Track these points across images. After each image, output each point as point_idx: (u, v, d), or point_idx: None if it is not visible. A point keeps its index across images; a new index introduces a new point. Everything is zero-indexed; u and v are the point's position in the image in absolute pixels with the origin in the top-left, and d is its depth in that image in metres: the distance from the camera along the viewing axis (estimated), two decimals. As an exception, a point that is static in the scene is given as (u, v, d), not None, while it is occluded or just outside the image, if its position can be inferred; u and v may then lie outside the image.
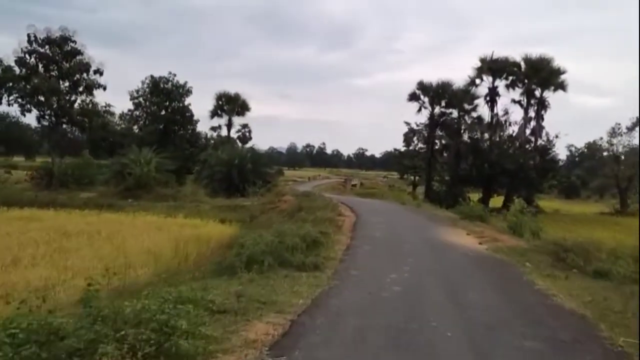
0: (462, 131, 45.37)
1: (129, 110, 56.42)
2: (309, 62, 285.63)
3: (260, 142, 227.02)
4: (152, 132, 54.28)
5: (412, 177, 79.09)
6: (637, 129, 47.36)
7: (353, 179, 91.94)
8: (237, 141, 54.61)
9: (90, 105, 35.28)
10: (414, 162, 76.80)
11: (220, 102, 53.88)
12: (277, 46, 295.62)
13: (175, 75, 55.63)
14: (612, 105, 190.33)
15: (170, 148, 52.41)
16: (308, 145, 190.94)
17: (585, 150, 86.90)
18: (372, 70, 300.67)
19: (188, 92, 56.35)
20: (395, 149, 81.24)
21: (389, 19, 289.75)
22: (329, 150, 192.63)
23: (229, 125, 54.14)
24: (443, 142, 45.55)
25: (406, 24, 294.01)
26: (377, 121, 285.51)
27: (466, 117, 45.51)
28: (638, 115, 44.25)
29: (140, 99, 55.92)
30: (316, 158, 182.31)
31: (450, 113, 45.81)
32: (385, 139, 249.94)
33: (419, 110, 45.81)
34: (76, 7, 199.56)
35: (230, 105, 53.55)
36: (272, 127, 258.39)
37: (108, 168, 39.60)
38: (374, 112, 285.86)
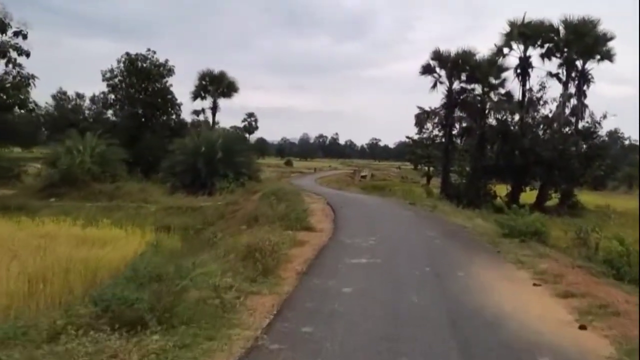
0: (486, 111, 35.93)
1: (102, 93, 47.82)
2: (323, 53, 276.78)
3: (273, 133, 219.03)
4: (126, 117, 45.65)
5: (426, 168, 69.80)
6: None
7: (363, 169, 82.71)
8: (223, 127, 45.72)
9: (14, 78, 26.51)
10: (428, 151, 67.60)
11: (203, 82, 44.98)
12: (291, 37, 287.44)
13: (154, 52, 46.73)
14: (628, 94, 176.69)
15: (147, 136, 43.92)
16: (321, 136, 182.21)
17: (607, 138, 78.11)
18: (385, 61, 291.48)
19: (170, 71, 47.60)
20: (407, 137, 71.94)
21: (403, 9, 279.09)
22: (342, 141, 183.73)
23: (214, 109, 45.35)
24: (463, 124, 36.13)
25: (420, 13, 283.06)
26: (391, 111, 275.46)
27: (492, 94, 36.08)
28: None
29: (116, 80, 47.15)
30: (329, 149, 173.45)
31: (473, 89, 36.45)
32: (399, 129, 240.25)
33: (434, 86, 36.53)
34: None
35: (215, 85, 44.62)
36: (284, 118, 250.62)
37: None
38: (388, 102, 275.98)
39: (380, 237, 12.76)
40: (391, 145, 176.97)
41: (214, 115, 45.35)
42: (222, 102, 46.23)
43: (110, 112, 48.16)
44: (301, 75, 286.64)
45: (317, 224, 14.95)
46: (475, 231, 14.50)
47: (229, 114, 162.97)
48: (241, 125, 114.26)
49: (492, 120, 36.25)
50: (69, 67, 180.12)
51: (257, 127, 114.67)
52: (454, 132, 37.00)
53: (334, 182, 52.44)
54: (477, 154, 36.08)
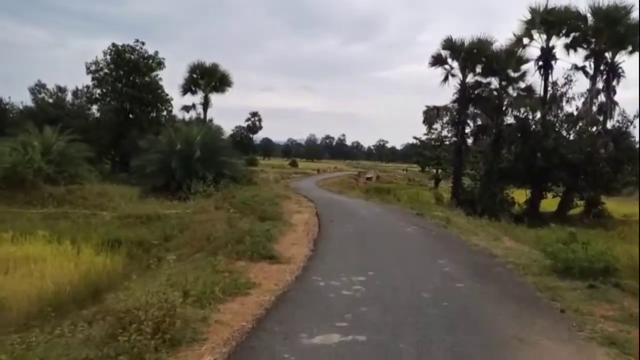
0: (504, 108, 31.25)
1: (86, 86, 43.60)
2: (332, 54, 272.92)
3: (280, 133, 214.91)
4: (110, 112, 41.41)
5: (435, 171, 65.10)
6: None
7: (368, 171, 78.16)
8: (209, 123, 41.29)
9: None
10: (436, 153, 62.90)
11: (194, 76, 40.61)
12: (300, 38, 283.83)
13: (143, 43, 42.47)
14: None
15: (133, 133, 39.65)
16: (328, 137, 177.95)
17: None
18: (395, 63, 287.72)
19: (159, 64, 43.38)
20: (415, 138, 67.24)
21: (414, 10, 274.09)
22: (349, 142, 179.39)
23: (205, 104, 40.87)
24: (478, 122, 31.42)
25: (431, 15, 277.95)
26: (399, 113, 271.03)
27: (510, 89, 31.41)
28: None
29: (101, 73, 42.97)
30: (336, 150, 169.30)
31: (489, 83, 31.76)
32: (407, 131, 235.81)
33: (445, 79, 31.89)
34: (101, 1, 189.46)
35: (207, 79, 40.23)
36: (292, 119, 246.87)
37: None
38: (396, 104, 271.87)
39: (373, 276, 8.28)
40: (398, 147, 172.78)
41: (205, 111, 41.02)
42: (215, 97, 41.90)
43: (95, 108, 43.92)
44: (309, 77, 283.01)
45: (287, 249, 10.49)
46: (511, 262, 9.94)
47: (234, 114, 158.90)
48: (245, 124, 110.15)
49: (510, 118, 31.63)
50: (70, 67, 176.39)
51: (261, 127, 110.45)
52: (467, 131, 32.29)
53: (336, 185, 47.93)
54: (493, 156, 31.44)
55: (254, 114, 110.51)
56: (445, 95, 29.75)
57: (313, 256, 10.02)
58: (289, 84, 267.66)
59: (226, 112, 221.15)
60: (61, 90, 43.64)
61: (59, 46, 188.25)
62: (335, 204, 23.16)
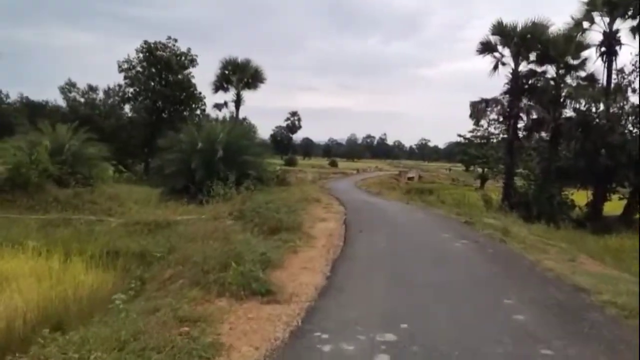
0: (562, 99, 27.43)
1: (117, 85, 41.99)
2: (373, 53, 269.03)
3: (320, 133, 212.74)
4: (143, 111, 39.62)
5: (481, 170, 61.00)
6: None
7: (410, 171, 74.50)
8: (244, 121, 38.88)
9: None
10: (482, 151, 58.83)
11: (226, 72, 38.32)
12: (341, 37, 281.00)
13: (175, 40, 40.50)
14: None
15: (163, 132, 37.72)
16: (368, 136, 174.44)
17: None
18: (437, 60, 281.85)
19: (192, 62, 41.33)
20: (459, 135, 63.31)
21: (457, 6, 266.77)
22: (390, 142, 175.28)
23: (237, 102, 38.49)
24: (532, 116, 27.67)
25: (475, 11, 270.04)
26: (442, 111, 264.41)
27: (568, 78, 27.57)
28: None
29: (133, 71, 41.28)
30: (377, 149, 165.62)
31: (544, 72, 27.98)
32: (450, 129, 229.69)
33: (495, 68, 28.30)
34: (153, 5, 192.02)
35: (239, 74, 37.84)
36: (333, 118, 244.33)
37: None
38: (438, 102, 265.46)
39: (408, 334, 5.33)
40: (441, 146, 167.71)
41: (237, 109, 38.63)
42: (251, 96, 39.49)
43: (128, 107, 42.31)
44: (350, 76, 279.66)
45: (294, 277, 7.68)
46: (609, 301, 6.76)
47: (275, 114, 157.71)
48: (284, 124, 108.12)
49: (568, 111, 27.79)
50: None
51: (300, 127, 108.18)
52: (519, 125, 28.60)
53: (375, 186, 44.83)
54: (550, 153, 27.74)
55: (293, 114, 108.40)
56: (491, 92, 26.55)
57: (326, 289, 7.13)
58: (330, 84, 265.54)
59: (267, 113, 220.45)
60: (92, 89, 42.31)
61: (107, 51, 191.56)
62: (369, 208, 20.18)
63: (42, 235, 15.20)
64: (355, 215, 16.53)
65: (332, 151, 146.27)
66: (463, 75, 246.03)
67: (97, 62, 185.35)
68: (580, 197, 28.01)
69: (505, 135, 53.51)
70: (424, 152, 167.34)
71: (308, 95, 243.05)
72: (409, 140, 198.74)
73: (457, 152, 65.40)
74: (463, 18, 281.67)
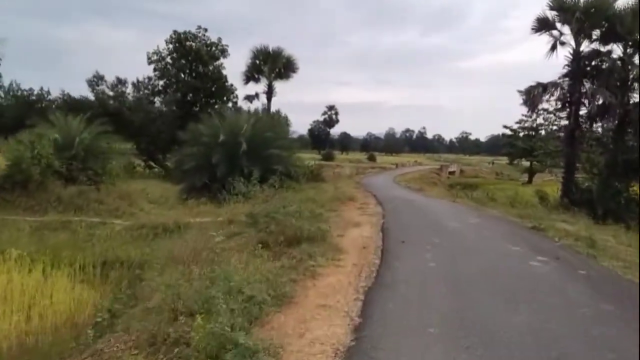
0: (630, 82, 23.60)
1: (146, 78, 40.12)
2: (411, 46, 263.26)
3: (358, 128, 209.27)
4: (171, 104, 37.62)
5: (529, 163, 56.76)
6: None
7: (451, 165, 70.62)
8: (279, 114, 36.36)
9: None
10: (530, 143, 54.60)
11: (257, 62, 35.82)
12: (378, 31, 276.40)
13: (205, 30, 38.28)
14: None
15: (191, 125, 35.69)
16: (407, 130, 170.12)
17: None
18: (477, 52, 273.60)
19: (223, 52, 39.02)
20: (505, 127, 59.07)
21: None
22: (429, 135, 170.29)
23: (269, 93, 35.95)
24: (598, 101, 23.94)
25: (515, 0, 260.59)
26: (482, 104, 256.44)
27: (637, 58, 23.69)
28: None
29: (162, 63, 39.36)
30: (416, 143, 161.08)
31: (609, 52, 24.13)
32: (491, 122, 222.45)
33: (553, 48, 24.64)
34: (185, 2, 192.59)
35: (270, 64, 35.28)
36: (371, 113, 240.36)
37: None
38: (478, 95, 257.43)
39: None
40: (482, 139, 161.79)
41: (269, 100, 36.09)
42: (284, 87, 36.88)
43: (158, 100, 40.44)
44: (388, 70, 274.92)
45: (301, 329, 4.93)
46: None
47: (313, 110, 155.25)
48: (321, 118, 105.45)
49: (637, 95, 23.95)
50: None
51: (337, 121, 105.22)
52: (581, 113, 24.84)
53: (415, 181, 41.56)
54: (617, 143, 24.00)
55: (331, 108, 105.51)
56: (555, 60, 22.77)
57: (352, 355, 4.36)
58: (368, 78, 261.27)
59: (305, 108, 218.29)
60: (121, 82, 40.57)
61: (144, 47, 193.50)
62: (411, 208, 17.24)
63: (35, 241, 13.05)
64: (394, 217, 13.66)
65: (370, 145, 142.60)
66: (504, 67, 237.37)
67: (139, 59, 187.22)
68: (653, 195, 24.22)
69: (558, 125, 49.22)
70: (464, 145, 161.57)
71: (345, 90, 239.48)
72: (449, 134, 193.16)
73: (504, 144, 61.11)
74: (503, 8, 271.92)
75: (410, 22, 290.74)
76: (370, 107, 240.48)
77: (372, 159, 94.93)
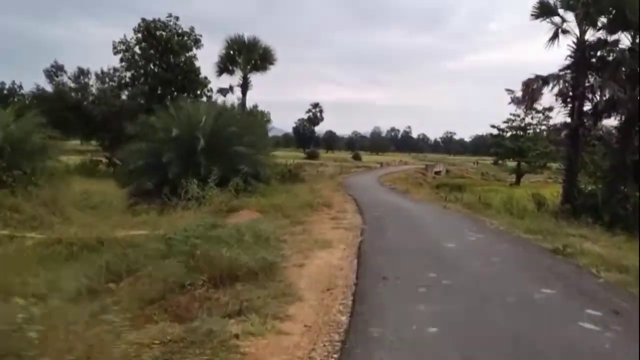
0: (638, 73, 20.79)
1: (111, 69, 36.64)
2: (398, 46, 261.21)
3: (344, 126, 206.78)
4: (139, 97, 34.18)
5: (517, 164, 54.22)
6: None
7: (436, 165, 67.97)
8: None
9: None
10: (518, 143, 52.04)
11: (231, 52, 32.54)
12: (365, 30, 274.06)
13: (177, 18, 34.85)
14: None
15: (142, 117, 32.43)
16: (393, 130, 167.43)
17: None
18: (462, 52, 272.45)
19: (196, 42, 35.69)
20: (493, 126, 56.38)
21: None
22: (414, 135, 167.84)
23: (244, 86, 32.68)
24: (605, 96, 21.13)
25: (501, 2, 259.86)
26: (467, 104, 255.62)
27: (649, 48, 20.89)
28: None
29: (131, 53, 35.90)
30: (401, 142, 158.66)
31: (616, 41, 21.30)
32: (475, 122, 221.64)
33: (554, 37, 21.73)
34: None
35: (245, 55, 32.03)
36: (357, 112, 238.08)
37: None
38: (463, 95, 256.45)
39: None
40: (466, 139, 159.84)
41: (244, 94, 32.83)
42: (255, 78, 33.59)
43: (125, 93, 36.99)
44: (375, 69, 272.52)
45: None
46: None
47: (299, 108, 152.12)
48: (305, 116, 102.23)
49: (649, 90, 21.13)
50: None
51: (322, 119, 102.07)
52: (585, 108, 21.95)
53: (401, 182, 38.72)
54: (624, 143, 21.23)
55: (315, 105, 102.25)
56: (557, 50, 19.81)
57: None
58: (355, 77, 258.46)
59: (292, 107, 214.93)
60: (83, 73, 36.97)
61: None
62: (397, 218, 14.20)
63: None
64: (376, 233, 10.62)
65: (356, 144, 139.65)
66: (489, 67, 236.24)
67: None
68: (663, 199, 21.47)
69: (547, 125, 46.53)
70: (449, 145, 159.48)
71: (332, 89, 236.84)
72: (434, 134, 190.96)
73: (491, 144, 58.46)
74: (489, 10, 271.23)
75: (397, 22, 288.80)
76: (356, 106, 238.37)
77: (357, 158, 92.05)
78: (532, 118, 51.93)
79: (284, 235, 9.74)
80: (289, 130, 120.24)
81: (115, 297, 6.53)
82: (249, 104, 45.60)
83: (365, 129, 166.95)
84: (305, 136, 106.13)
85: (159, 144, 17.18)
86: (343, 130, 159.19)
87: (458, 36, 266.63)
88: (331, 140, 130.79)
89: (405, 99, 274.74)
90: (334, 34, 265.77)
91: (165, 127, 17.32)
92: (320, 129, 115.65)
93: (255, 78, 33.13)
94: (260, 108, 54.97)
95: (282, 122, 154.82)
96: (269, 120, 49.05)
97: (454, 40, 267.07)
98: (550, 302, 5.94)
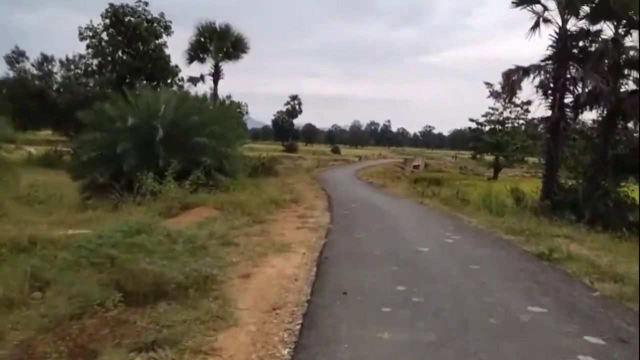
0: (621, 64, 20.01)
1: (77, 56, 34.80)
2: (378, 40, 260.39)
3: (325, 120, 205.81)
4: (106, 86, 32.46)
5: (495, 158, 53.74)
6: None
7: (415, 159, 67.25)
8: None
9: None
10: (497, 137, 51.51)
11: (202, 39, 31.01)
12: (346, 23, 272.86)
13: (146, 4, 33.10)
14: None
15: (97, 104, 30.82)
16: (372, 123, 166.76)
17: None
18: (442, 47, 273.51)
19: (166, 29, 34.00)
20: (471, 120, 55.73)
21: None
22: (394, 129, 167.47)
23: (216, 74, 31.20)
24: (588, 87, 20.31)
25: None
26: (446, 99, 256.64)
27: (632, 38, 20.15)
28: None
29: (98, 39, 34.10)
30: (381, 136, 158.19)
31: (599, 32, 20.48)
32: (455, 117, 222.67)
33: (535, 26, 20.80)
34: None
35: (217, 42, 30.53)
36: (338, 105, 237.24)
37: None
38: (442, 89, 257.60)
39: None
40: (445, 133, 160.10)
41: (215, 83, 31.35)
42: (228, 66, 32.14)
43: (92, 81, 35.20)
44: (355, 63, 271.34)
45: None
46: None
47: (280, 101, 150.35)
48: (284, 109, 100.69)
49: (631, 83, 20.42)
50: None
51: (300, 111, 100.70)
52: (566, 100, 21.10)
53: (379, 175, 37.75)
54: (606, 137, 20.50)
55: (294, 98, 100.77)
56: (538, 40, 18.90)
57: None
58: (335, 71, 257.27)
59: (273, 99, 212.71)
60: (47, 59, 35.00)
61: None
62: (369, 215, 13.11)
63: None
64: (343, 235, 9.50)
65: (336, 138, 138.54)
66: (468, 62, 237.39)
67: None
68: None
69: (525, 119, 45.96)
70: (428, 139, 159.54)
71: (313, 82, 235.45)
72: (413, 128, 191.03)
73: (470, 138, 57.83)
74: (468, 5, 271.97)
75: (378, 14, 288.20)
76: (337, 99, 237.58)
77: (336, 151, 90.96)
78: (510, 112, 51.51)
79: (237, 237, 8.55)
80: (270, 122, 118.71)
81: (33, 310, 5.32)
82: (224, 93, 44.21)
83: (345, 123, 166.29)
84: (285, 129, 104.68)
85: (115, 134, 15.77)
86: (323, 123, 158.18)
87: (438, 31, 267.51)
88: (311, 133, 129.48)
89: (386, 92, 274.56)
90: (314, 26, 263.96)
91: (122, 116, 15.89)
92: (300, 122, 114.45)
93: (234, 68, 31.95)
94: (239, 99, 53.36)
95: (263, 115, 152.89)
96: (241, 111, 47.46)
97: (434, 35, 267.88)
98: (540, 326, 4.86)
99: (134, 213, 11.36)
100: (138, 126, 15.57)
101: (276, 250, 7.82)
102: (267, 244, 8.19)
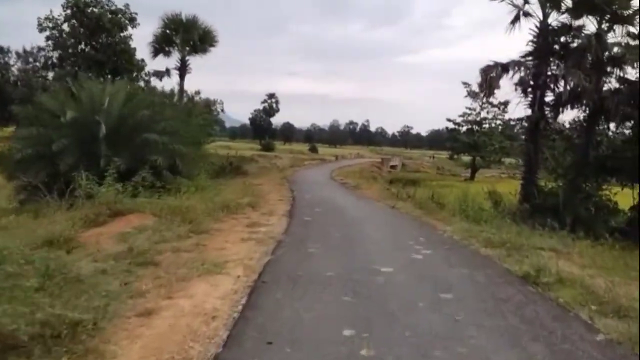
0: (604, 61, 18.91)
1: (36, 47, 32.62)
2: (357, 39, 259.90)
3: (304, 119, 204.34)
4: (63, 78, 30.34)
5: (472, 159, 52.87)
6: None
7: (392, 158, 66.08)
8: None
9: None
10: (474, 138, 50.61)
11: (168, 31, 29.19)
12: (325, 22, 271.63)
13: (111, -7, 31.12)
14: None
15: (35, 97, 28.79)
16: (351, 123, 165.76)
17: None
18: (420, 47, 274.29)
19: (131, 20, 32.07)
20: (449, 120, 54.74)
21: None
22: (372, 128, 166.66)
23: (182, 69, 29.40)
24: (569, 85, 19.16)
25: None
26: (425, 99, 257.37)
27: (612, 35, 19.10)
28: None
29: (58, 30, 32.01)
30: (359, 136, 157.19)
31: (581, 27, 19.35)
32: (433, 117, 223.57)
33: (515, 20, 19.60)
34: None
35: (183, 34, 28.74)
36: (316, 104, 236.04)
37: None
38: (421, 89, 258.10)
39: None
40: (423, 134, 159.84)
41: (182, 77, 29.57)
42: (195, 60, 30.37)
43: (52, 75, 33.11)
44: (334, 62, 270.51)
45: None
46: None
47: (258, 99, 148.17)
48: (261, 107, 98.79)
49: (614, 80, 19.36)
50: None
51: (278, 109, 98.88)
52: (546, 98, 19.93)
53: (354, 176, 36.27)
54: (587, 138, 19.41)
55: (271, 96, 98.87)
56: (518, 38, 17.70)
57: None
58: (314, 70, 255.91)
59: (253, 97, 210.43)
60: (2, 51, 32.76)
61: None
62: (332, 223, 11.60)
63: None
64: (293, 249, 7.99)
65: (314, 137, 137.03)
66: (446, 63, 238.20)
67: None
68: (626, 199, 19.79)
69: (502, 120, 45.01)
70: (406, 139, 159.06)
71: (291, 81, 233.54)
72: (392, 127, 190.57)
73: (447, 138, 56.89)
74: (446, 6, 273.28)
75: (357, 14, 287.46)
76: (315, 98, 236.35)
77: (313, 150, 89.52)
78: (487, 112, 50.69)
79: (162, 253, 6.97)
80: (246, 121, 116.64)
81: None
82: (194, 89, 42.29)
83: (324, 122, 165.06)
84: (262, 127, 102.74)
85: (54, 130, 14.00)
86: (302, 122, 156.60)
87: (417, 31, 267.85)
88: (289, 132, 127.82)
89: (365, 92, 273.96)
90: (292, 24, 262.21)
91: (62, 109, 14.11)
92: (278, 121, 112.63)
93: (213, 65, 30.19)
94: (216, 97, 51.41)
95: (242, 113, 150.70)
96: (211, 108, 45.58)
97: (413, 35, 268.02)
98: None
99: (57, 221, 9.70)
100: (79, 121, 13.82)
101: (204, 272, 6.27)
102: (197, 263, 6.63)
